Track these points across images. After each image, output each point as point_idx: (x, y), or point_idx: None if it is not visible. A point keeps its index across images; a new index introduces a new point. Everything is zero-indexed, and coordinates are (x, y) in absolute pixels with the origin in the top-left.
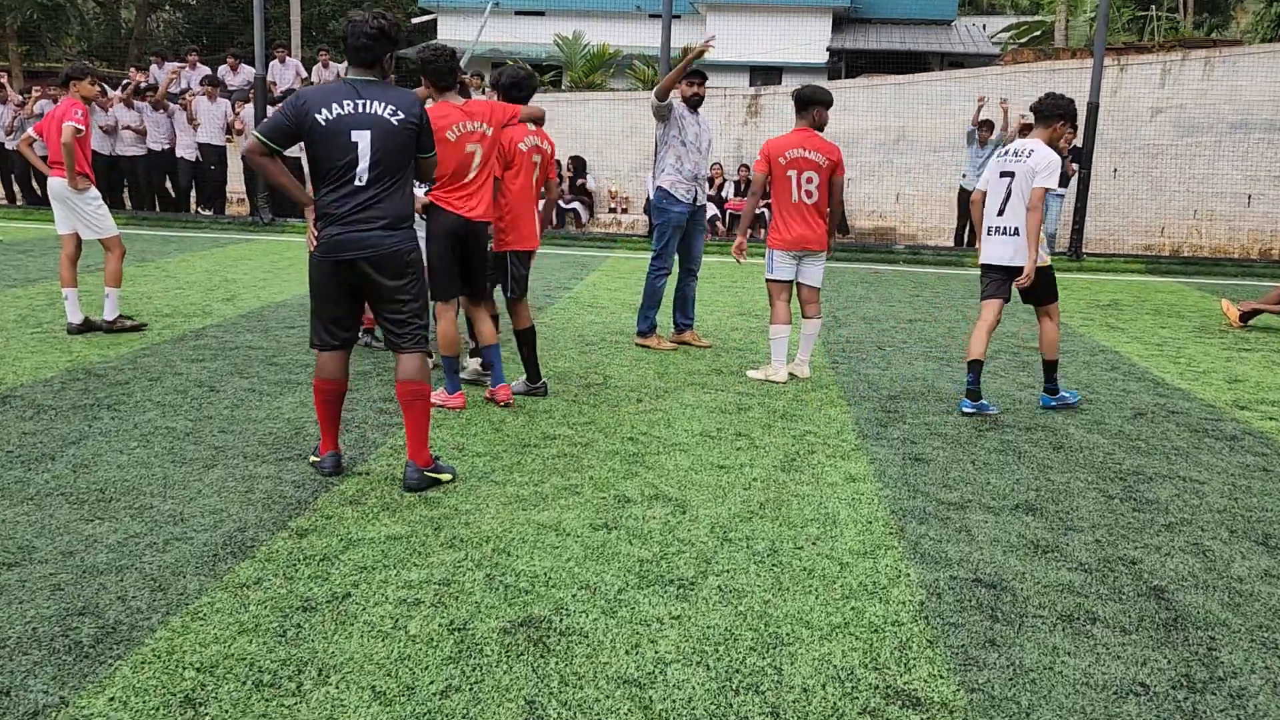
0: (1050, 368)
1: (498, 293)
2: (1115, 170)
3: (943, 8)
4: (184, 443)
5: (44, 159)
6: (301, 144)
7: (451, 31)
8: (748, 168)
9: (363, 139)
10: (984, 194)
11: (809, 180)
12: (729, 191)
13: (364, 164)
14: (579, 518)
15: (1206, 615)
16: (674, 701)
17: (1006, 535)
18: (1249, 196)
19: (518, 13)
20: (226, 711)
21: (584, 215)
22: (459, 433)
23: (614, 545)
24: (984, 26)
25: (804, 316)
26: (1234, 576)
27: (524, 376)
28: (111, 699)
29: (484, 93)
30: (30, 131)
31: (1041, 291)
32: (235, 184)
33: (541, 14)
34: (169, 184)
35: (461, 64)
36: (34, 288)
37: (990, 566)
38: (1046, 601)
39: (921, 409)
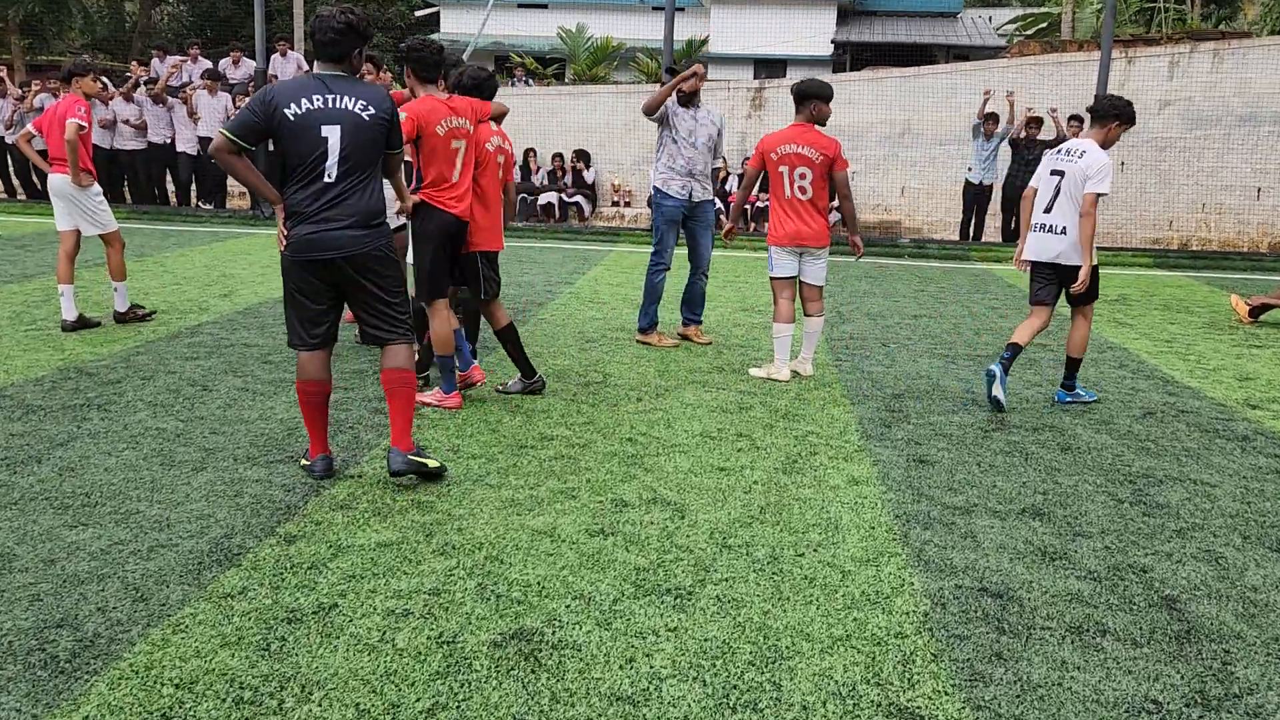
0: (1074, 366)
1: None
2: (1122, 163)
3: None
4: (174, 444)
5: (43, 154)
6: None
7: (454, 25)
8: None
9: (333, 134)
10: (1035, 190)
11: (802, 176)
12: (732, 185)
13: (333, 159)
14: (575, 523)
15: (1220, 627)
16: None
17: (1013, 541)
18: (1258, 190)
19: (520, 5)
20: None
21: (587, 209)
22: (454, 434)
23: (610, 552)
24: (990, 19)
25: (805, 315)
26: (1248, 585)
27: (518, 375)
28: (86, 718)
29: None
30: (29, 127)
31: (1083, 292)
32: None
33: (544, 7)
34: (169, 178)
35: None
36: (30, 284)
37: (996, 575)
38: (1055, 612)
39: (926, 408)
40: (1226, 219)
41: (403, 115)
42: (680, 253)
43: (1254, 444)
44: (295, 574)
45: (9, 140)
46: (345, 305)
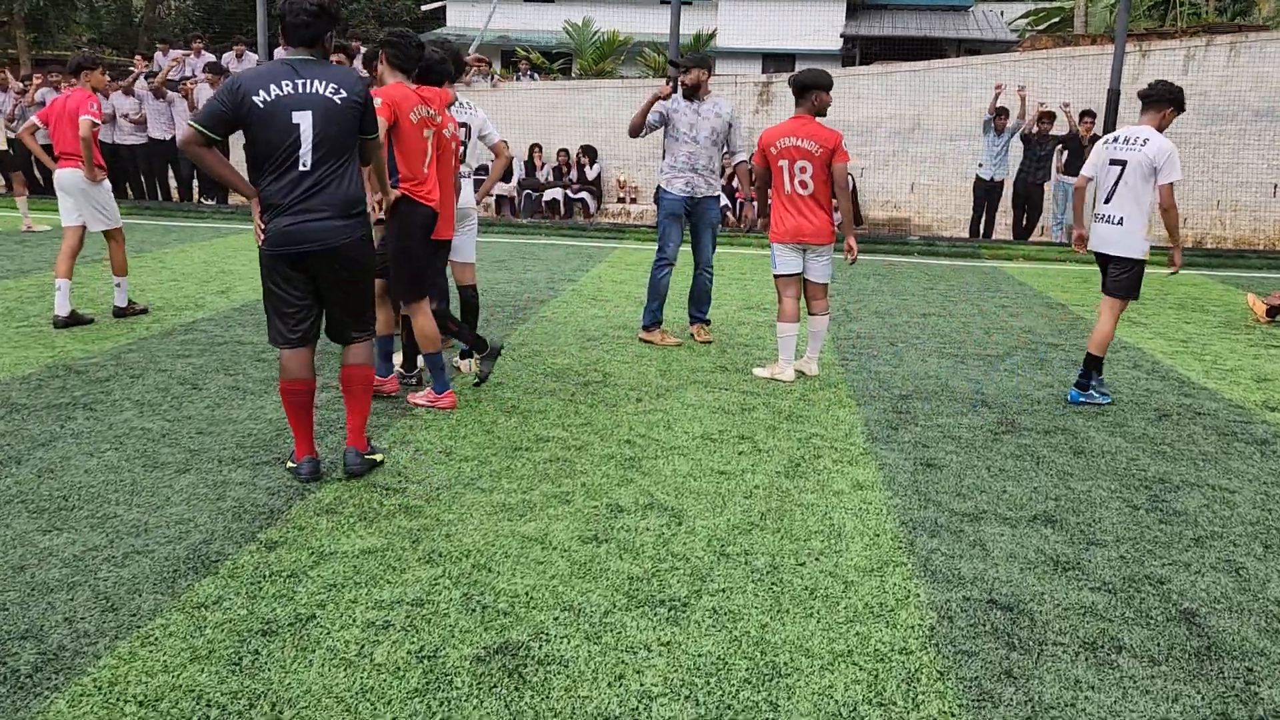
0: (1092, 364)
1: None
2: None
3: None
4: (158, 445)
5: (45, 148)
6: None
7: (461, 19)
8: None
9: (304, 120)
10: (1088, 180)
11: (802, 170)
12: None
13: (307, 146)
14: (567, 529)
15: (1242, 643)
16: None
17: (1024, 550)
18: (1275, 186)
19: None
20: None
21: (592, 205)
22: (448, 435)
23: (603, 560)
24: (1001, 13)
25: (810, 314)
26: (1271, 598)
27: (475, 356)
28: None
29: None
30: (34, 119)
31: (1127, 285)
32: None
33: (551, 0)
34: (171, 173)
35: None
36: (26, 279)
37: (1006, 586)
38: (1067, 627)
39: (934, 409)
40: (1242, 216)
41: (377, 101)
42: (685, 249)
43: (1273, 447)
44: (274, 583)
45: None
46: None
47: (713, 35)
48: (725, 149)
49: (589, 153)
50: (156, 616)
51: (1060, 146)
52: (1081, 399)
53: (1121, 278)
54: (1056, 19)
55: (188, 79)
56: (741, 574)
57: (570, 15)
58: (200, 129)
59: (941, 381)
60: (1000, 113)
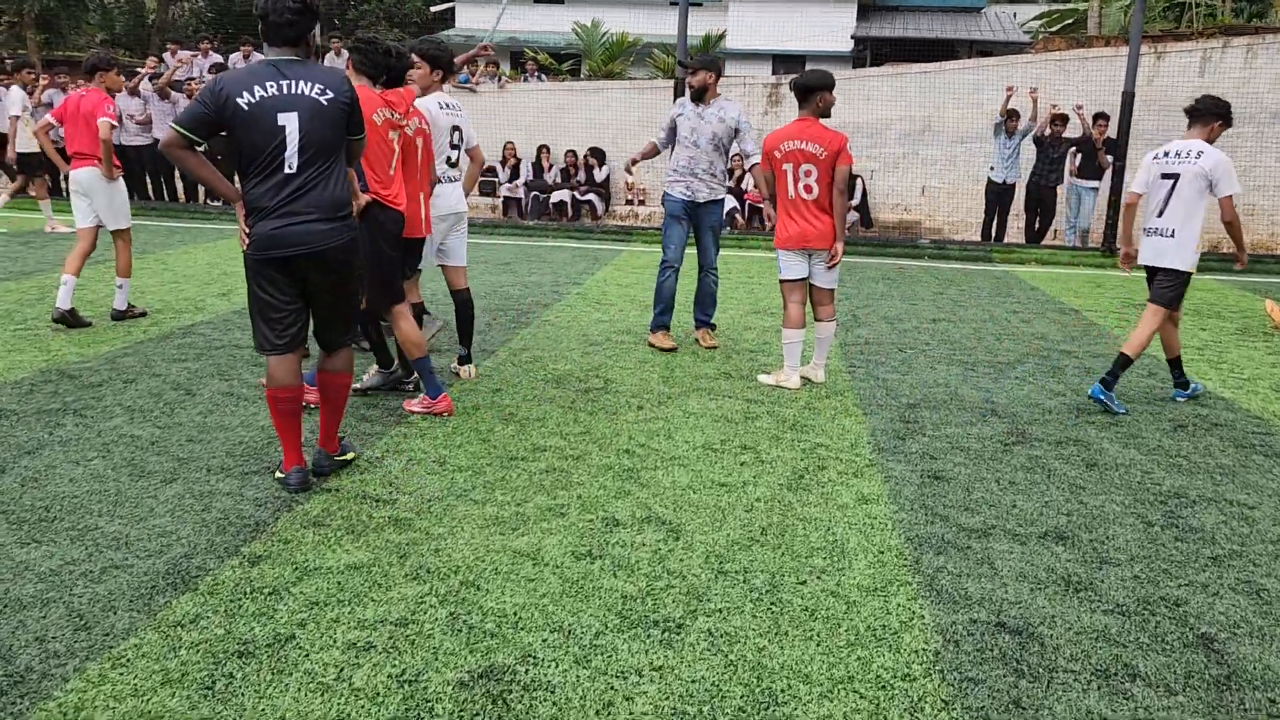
0: (1124, 364)
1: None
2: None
3: None
4: (147, 453)
5: (57, 147)
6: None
7: (470, 20)
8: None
9: (290, 121)
10: (1138, 196)
11: (807, 174)
12: (748, 183)
13: (293, 148)
14: (560, 544)
15: (1264, 671)
16: None
17: (1034, 569)
18: None
19: (536, 0)
20: None
21: (599, 207)
22: (442, 443)
23: (596, 578)
24: (1014, 15)
25: (816, 320)
26: None
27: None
28: None
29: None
30: (49, 117)
31: (1171, 295)
32: (221, 175)
33: (561, 2)
34: (177, 174)
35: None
36: (27, 281)
37: (1015, 608)
38: (1079, 652)
39: (943, 419)
40: (1259, 220)
41: None
42: (692, 252)
43: None
44: (254, 600)
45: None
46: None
47: (722, 36)
48: (734, 152)
49: (597, 155)
50: (130, 636)
51: (1074, 149)
52: (1101, 397)
53: (1167, 287)
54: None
55: (193, 80)
56: (739, 593)
57: (580, 16)
58: (182, 131)
59: (951, 390)
60: (1011, 115)
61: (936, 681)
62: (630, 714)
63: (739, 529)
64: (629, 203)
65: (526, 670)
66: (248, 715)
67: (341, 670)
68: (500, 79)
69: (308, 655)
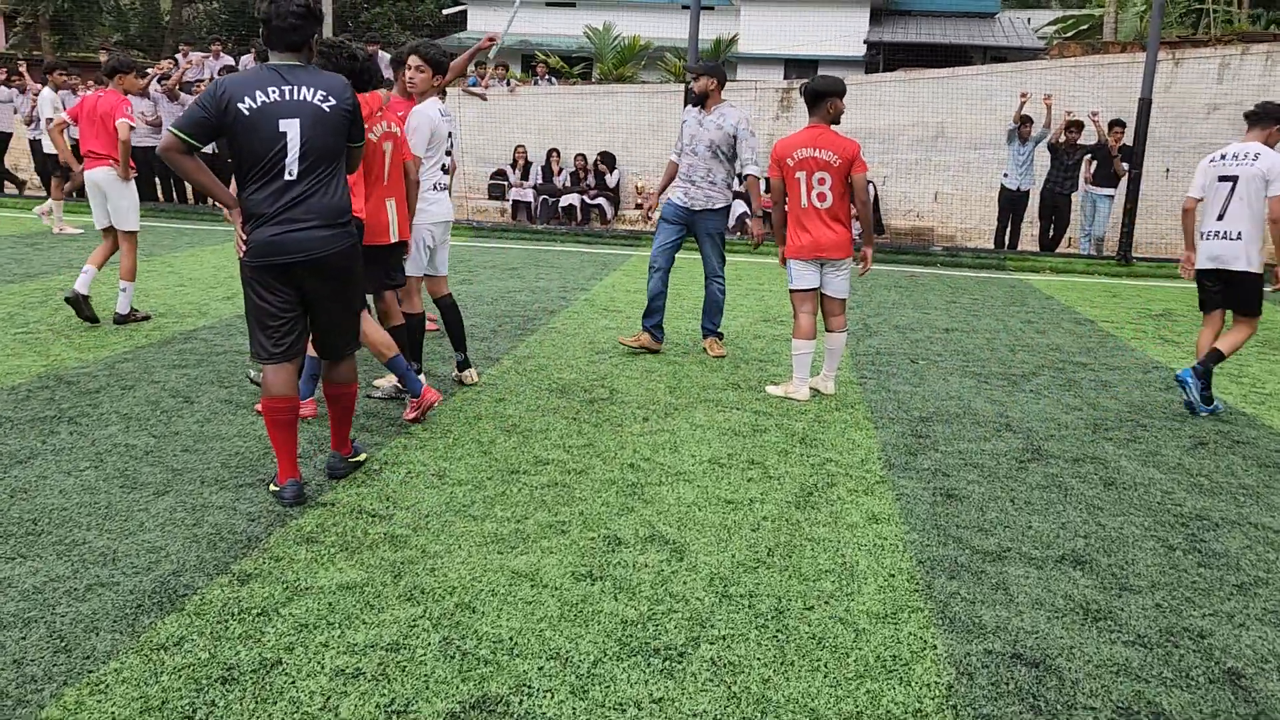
0: (1216, 360)
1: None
2: (1168, 170)
3: (986, 0)
4: (140, 463)
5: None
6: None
7: (482, 23)
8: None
9: (291, 128)
10: (1196, 201)
11: (820, 182)
12: (762, 188)
13: (293, 155)
14: (560, 564)
15: None
16: None
17: (1051, 596)
18: None
19: (548, 4)
20: None
21: (609, 212)
22: (442, 455)
23: (596, 601)
24: (1028, 20)
25: (827, 330)
26: None
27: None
28: None
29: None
30: (64, 116)
31: (1256, 301)
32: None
33: (572, 5)
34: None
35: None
36: (31, 283)
37: (1032, 638)
38: (1099, 687)
39: (956, 434)
40: None
41: None
42: (696, 259)
43: None
44: (242, 621)
45: (31, 136)
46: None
47: (733, 40)
48: (728, 160)
49: (607, 159)
50: (112, 659)
51: (1090, 156)
52: (1204, 408)
53: (1248, 295)
54: (1085, 26)
55: (202, 81)
56: (744, 619)
57: (591, 20)
58: (181, 135)
59: (964, 403)
60: (1025, 121)
61: (949, 718)
62: None
63: (745, 549)
64: (638, 207)
65: (520, 701)
66: None
67: (328, 699)
68: (510, 82)
69: (294, 682)
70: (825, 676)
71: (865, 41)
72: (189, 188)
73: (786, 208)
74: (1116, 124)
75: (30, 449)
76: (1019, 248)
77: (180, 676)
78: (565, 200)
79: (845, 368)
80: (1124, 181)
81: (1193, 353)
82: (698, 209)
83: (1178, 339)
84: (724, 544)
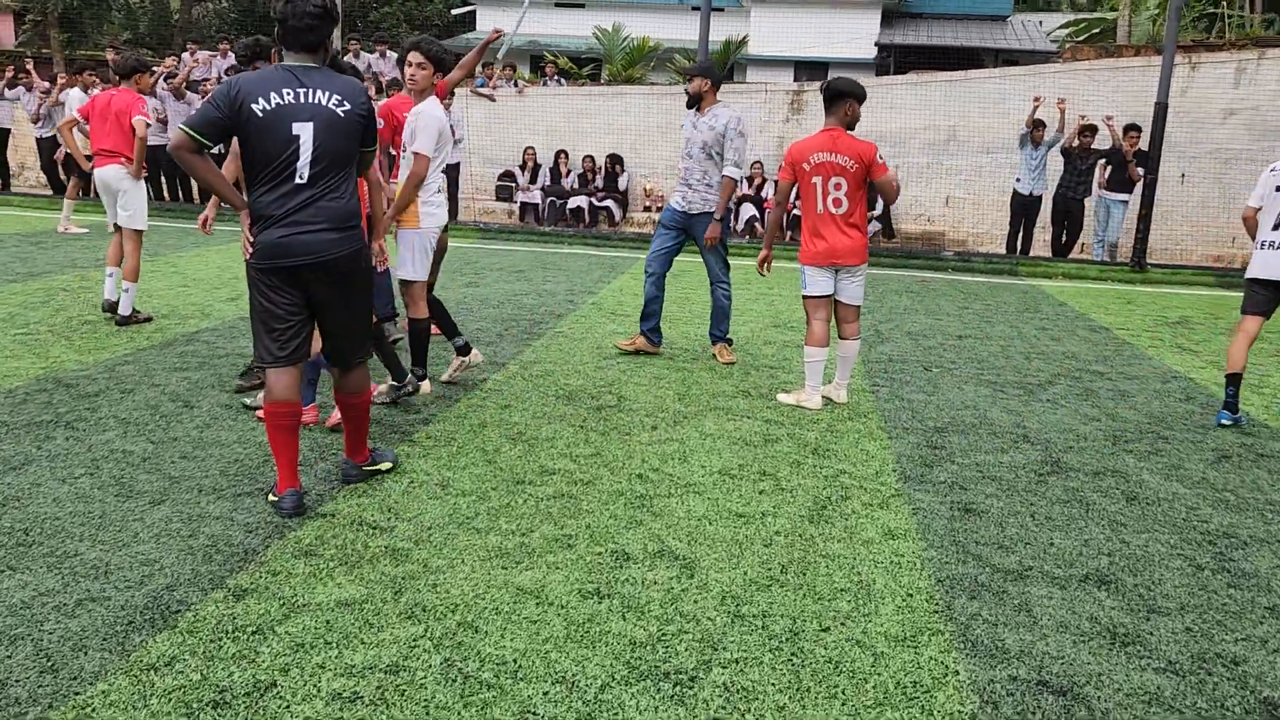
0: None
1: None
2: (1183, 175)
3: (998, 3)
4: (137, 471)
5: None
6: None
7: (491, 23)
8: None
9: (304, 131)
10: (1255, 210)
11: (836, 187)
12: (769, 191)
13: (305, 158)
14: (567, 580)
15: None
16: None
17: (1076, 618)
18: None
19: (557, 4)
20: None
21: (617, 214)
22: (446, 464)
23: (604, 620)
24: (1040, 23)
25: (841, 337)
26: None
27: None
28: None
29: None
30: (75, 114)
31: None
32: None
33: (581, 6)
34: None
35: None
36: (34, 283)
37: (1058, 664)
38: (1129, 718)
39: (972, 445)
40: None
41: None
42: (697, 263)
43: None
44: (235, 640)
45: (38, 135)
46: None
47: (744, 42)
48: (719, 162)
49: (615, 160)
50: (99, 680)
51: (1104, 161)
52: (1228, 420)
53: None
54: (1098, 29)
55: (209, 80)
56: (757, 640)
57: (601, 20)
58: (193, 134)
59: (979, 413)
60: (1037, 125)
61: None
62: None
63: (757, 566)
64: (646, 209)
65: None
66: None
67: None
68: (518, 83)
69: (288, 706)
70: (843, 704)
71: (876, 44)
72: (195, 186)
73: (800, 213)
74: (1132, 128)
75: (25, 455)
76: (1031, 253)
77: (170, 700)
78: (573, 202)
79: (858, 375)
80: (1139, 187)
81: (1212, 361)
82: (695, 212)
83: (1195, 347)
84: (735, 560)
